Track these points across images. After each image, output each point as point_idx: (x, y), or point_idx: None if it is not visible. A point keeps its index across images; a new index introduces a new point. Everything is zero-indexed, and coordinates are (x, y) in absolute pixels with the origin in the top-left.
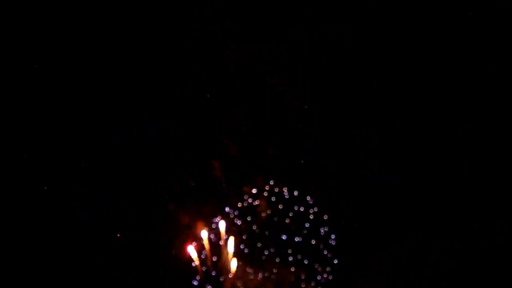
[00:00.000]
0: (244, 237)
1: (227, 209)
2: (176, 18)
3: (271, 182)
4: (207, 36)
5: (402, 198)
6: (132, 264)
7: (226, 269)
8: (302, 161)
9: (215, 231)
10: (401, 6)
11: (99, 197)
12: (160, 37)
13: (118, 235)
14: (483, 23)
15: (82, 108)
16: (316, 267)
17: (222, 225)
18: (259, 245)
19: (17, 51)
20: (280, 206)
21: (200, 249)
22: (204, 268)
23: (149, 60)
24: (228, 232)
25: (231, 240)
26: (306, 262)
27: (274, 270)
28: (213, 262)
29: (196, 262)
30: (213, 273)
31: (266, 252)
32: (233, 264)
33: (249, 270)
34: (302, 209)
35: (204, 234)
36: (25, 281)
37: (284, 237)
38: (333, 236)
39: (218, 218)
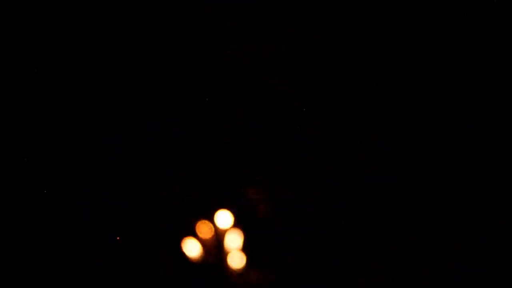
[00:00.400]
0: (244, 236)
1: (226, 208)
2: (176, 18)
3: (271, 182)
4: (207, 36)
5: (402, 198)
6: (132, 264)
7: (227, 265)
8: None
9: (216, 227)
10: (401, 6)
11: (99, 197)
12: (160, 37)
13: (118, 238)
14: (483, 23)
15: (82, 108)
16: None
17: (223, 220)
18: (259, 244)
19: (16, 51)
20: (281, 205)
21: (200, 245)
22: (204, 266)
23: (149, 60)
24: (229, 228)
25: (233, 236)
26: (306, 261)
27: (274, 269)
28: (213, 258)
29: (196, 257)
30: (214, 270)
31: (266, 251)
32: (235, 260)
33: (250, 268)
34: (302, 208)
35: (204, 229)
36: (25, 281)
37: (284, 237)
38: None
39: (218, 214)
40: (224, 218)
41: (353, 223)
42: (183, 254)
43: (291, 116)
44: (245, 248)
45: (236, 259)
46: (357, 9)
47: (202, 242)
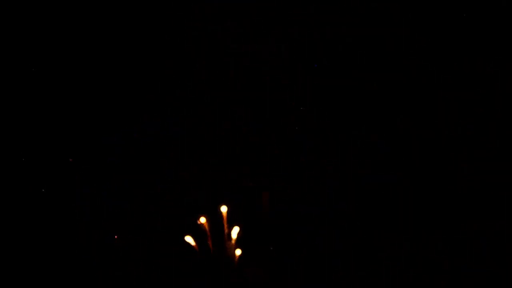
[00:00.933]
0: (244, 235)
1: (226, 206)
2: (176, 18)
3: (271, 182)
4: (207, 36)
5: (402, 198)
6: (132, 264)
7: (228, 261)
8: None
9: (215, 226)
10: (401, 6)
11: (99, 197)
12: (160, 37)
13: (116, 236)
14: (482, 23)
15: (82, 108)
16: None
17: (222, 219)
18: (259, 243)
19: (17, 51)
20: (281, 205)
21: (200, 242)
22: (204, 265)
23: (149, 60)
24: (229, 228)
25: (232, 235)
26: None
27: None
28: (214, 255)
29: (196, 256)
30: (213, 269)
31: (266, 251)
32: (234, 257)
33: (250, 268)
34: (302, 208)
35: (204, 228)
36: (25, 281)
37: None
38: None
39: (218, 213)
40: (223, 217)
41: (353, 223)
42: (183, 253)
43: (291, 116)
44: (245, 248)
45: (235, 257)
46: (357, 9)
47: (202, 240)
